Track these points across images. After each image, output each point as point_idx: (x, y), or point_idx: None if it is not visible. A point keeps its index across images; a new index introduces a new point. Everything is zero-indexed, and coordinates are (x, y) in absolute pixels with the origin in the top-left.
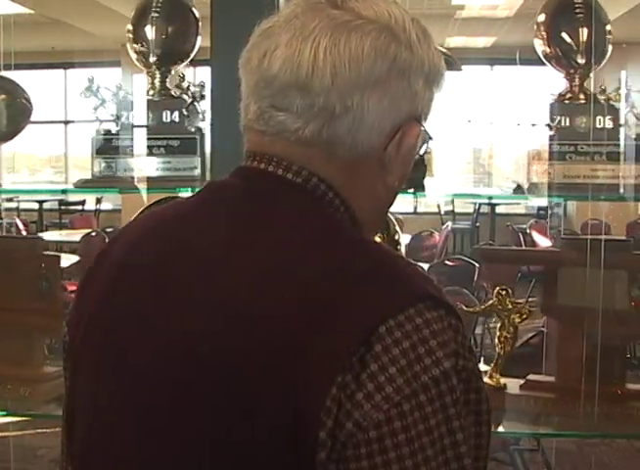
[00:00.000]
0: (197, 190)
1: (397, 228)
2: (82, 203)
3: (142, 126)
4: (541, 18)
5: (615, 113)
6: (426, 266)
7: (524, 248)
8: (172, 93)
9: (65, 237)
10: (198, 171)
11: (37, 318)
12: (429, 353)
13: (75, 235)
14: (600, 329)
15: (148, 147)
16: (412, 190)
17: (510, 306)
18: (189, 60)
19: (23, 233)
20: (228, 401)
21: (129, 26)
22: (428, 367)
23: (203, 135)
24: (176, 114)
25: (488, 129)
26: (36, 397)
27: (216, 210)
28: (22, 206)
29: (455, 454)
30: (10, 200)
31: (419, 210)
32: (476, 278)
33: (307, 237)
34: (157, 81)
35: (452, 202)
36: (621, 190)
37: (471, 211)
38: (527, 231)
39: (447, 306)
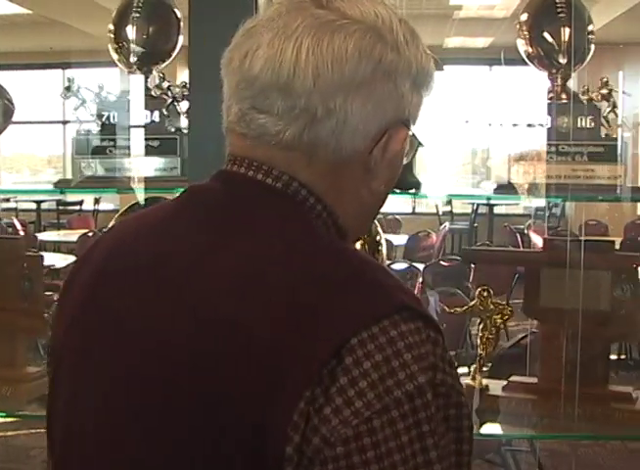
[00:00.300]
0: (175, 191)
1: (379, 229)
2: (80, 203)
3: (138, 126)
4: (523, 17)
5: (596, 113)
6: (421, 267)
7: (506, 248)
8: (152, 93)
9: (62, 237)
10: (178, 172)
11: (19, 318)
12: (403, 367)
13: (73, 235)
14: (582, 330)
15: (127, 147)
16: (398, 190)
17: (491, 307)
18: (170, 60)
19: (21, 233)
20: (197, 407)
21: (110, 26)
22: (401, 382)
23: (183, 136)
24: (156, 114)
25: (485, 130)
26: (19, 397)
27: (195, 214)
28: (21, 206)
29: None
30: (8, 200)
31: (417, 210)
32: (471, 279)
33: (285, 243)
34: (138, 81)
35: (450, 202)
36: (618, 191)
37: (469, 211)
38: (525, 232)
39: (425, 318)
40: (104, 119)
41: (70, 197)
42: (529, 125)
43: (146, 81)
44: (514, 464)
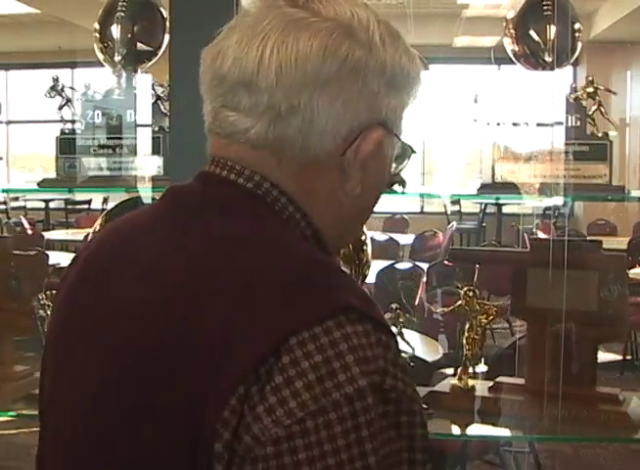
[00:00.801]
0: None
1: (364, 228)
2: (88, 202)
3: (142, 125)
4: (510, 15)
5: (582, 111)
6: (425, 266)
7: (493, 248)
8: (136, 93)
9: (70, 236)
10: (161, 171)
11: (7, 317)
12: (344, 369)
13: (81, 234)
14: (569, 331)
15: (111, 147)
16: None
17: (477, 308)
18: (156, 59)
19: (29, 232)
20: (139, 406)
21: (96, 25)
22: (341, 384)
23: (166, 135)
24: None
25: (493, 129)
26: (4, 395)
27: (171, 214)
28: (29, 205)
29: None
30: (17, 199)
31: (425, 209)
32: (475, 279)
33: (243, 242)
34: (122, 81)
35: (459, 202)
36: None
37: (477, 210)
38: (534, 231)
39: (376, 322)
40: (88, 118)
41: (79, 196)
42: (539, 124)
43: (131, 81)
44: (514, 465)
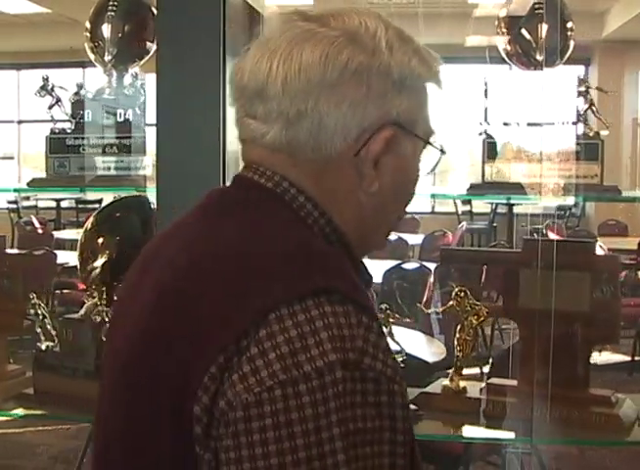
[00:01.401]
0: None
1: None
2: (99, 201)
3: (153, 124)
4: (502, 14)
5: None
6: (432, 266)
7: (485, 248)
8: (125, 92)
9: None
10: (150, 171)
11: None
12: (317, 345)
13: None
14: (561, 332)
15: (101, 146)
16: None
17: (468, 308)
18: (147, 58)
19: (39, 231)
20: (146, 374)
21: (87, 24)
22: (313, 358)
23: None
24: (130, 112)
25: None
26: None
27: (203, 213)
28: (41, 204)
29: (330, 449)
30: (27, 198)
31: (437, 209)
32: (483, 279)
33: (249, 230)
34: (113, 80)
35: (470, 202)
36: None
37: (488, 210)
38: (544, 231)
39: (357, 304)
40: (78, 118)
41: (90, 195)
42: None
43: (122, 80)
44: (519, 466)
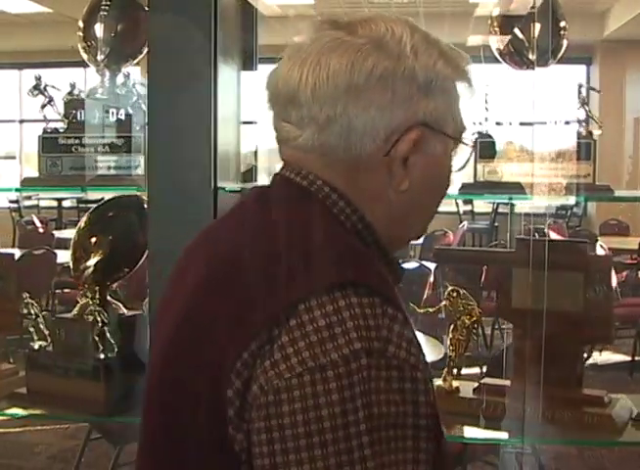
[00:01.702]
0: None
1: None
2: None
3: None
4: (495, 12)
5: None
6: (432, 266)
7: (478, 248)
8: (118, 92)
9: None
10: (142, 170)
11: None
12: (344, 334)
13: None
14: (554, 332)
15: (93, 145)
16: None
17: (461, 308)
18: (140, 58)
19: (40, 231)
20: (187, 358)
21: (80, 24)
22: (340, 346)
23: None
24: (122, 112)
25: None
26: None
27: (240, 209)
28: (42, 203)
29: (356, 432)
30: (29, 198)
31: (439, 208)
32: (483, 279)
33: (282, 225)
34: (106, 80)
35: (471, 201)
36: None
37: (490, 210)
38: (545, 231)
39: (383, 296)
40: (70, 118)
41: (91, 195)
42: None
43: (114, 79)
44: (518, 466)
